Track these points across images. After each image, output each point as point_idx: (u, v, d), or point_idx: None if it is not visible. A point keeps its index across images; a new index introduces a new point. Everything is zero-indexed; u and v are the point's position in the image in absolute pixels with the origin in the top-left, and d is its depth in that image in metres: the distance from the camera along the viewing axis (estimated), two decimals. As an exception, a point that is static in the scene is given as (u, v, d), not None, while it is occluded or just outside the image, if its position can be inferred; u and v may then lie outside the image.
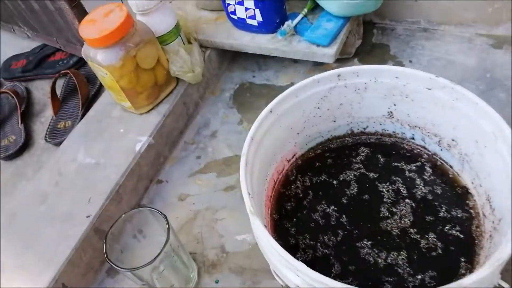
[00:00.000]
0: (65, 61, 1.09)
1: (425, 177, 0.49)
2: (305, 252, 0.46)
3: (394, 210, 0.47)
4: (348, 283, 0.43)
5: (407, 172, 0.50)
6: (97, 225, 0.60)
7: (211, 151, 0.71)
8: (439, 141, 0.48)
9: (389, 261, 0.44)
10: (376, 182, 0.50)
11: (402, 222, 0.46)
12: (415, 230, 0.46)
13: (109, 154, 0.67)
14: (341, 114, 0.51)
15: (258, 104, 0.76)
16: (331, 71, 0.47)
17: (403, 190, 0.49)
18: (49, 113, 0.99)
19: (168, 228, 0.50)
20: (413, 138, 0.51)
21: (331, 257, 0.45)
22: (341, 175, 0.51)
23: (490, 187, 0.42)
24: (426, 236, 0.45)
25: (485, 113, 0.40)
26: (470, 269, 0.42)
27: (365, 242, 0.46)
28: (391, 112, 0.50)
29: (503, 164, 0.39)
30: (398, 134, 0.52)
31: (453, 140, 0.47)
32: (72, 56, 1.08)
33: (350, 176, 0.51)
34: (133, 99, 0.69)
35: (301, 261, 0.45)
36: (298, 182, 0.52)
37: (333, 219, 0.48)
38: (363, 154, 0.53)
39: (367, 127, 0.53)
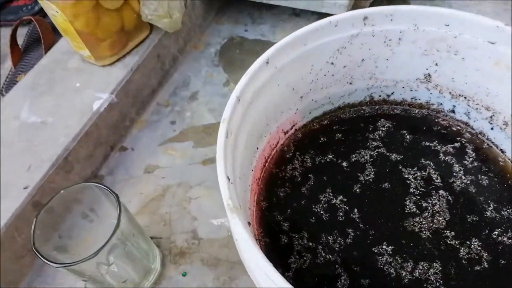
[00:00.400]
0: (29, 7, 0.92)
1: (466, 163, 0.36)
2: (301, 257, 0.33)
3: (424, 204, 0.34)
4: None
5: (441, 155, 0.37)
6: (37, 198, 0.46)
7: (189, 116, 0.57)
8: (491, 117, 0.35)
9: (416, 274, 0.31)
10: (400, 166, 0.36)
11: (435, 221, 0.33)
12: (453, 233, 0.33)
13: (59, 112, 0.52)
14: (361, 74, 0.37)
15: (249, 62, 0.60)
16: (355, 11, 0.33)
17: (436, 179, 0.35)
18: (8, 64, 0.83)
19: (120, 213, 0.36)
20: (452, 111, 0.38)
21: (337, 266, 0.32)
22: (353, 155, 0.38)
23: None
24: (468, 242, 0.32)
25: None
26: (529, 295, 0.29)
27: (384, 247, 0.32)
28: (429, 75, 0.36)
29: None
30: (433, 104, 0.38)
31: (514, 116, 0.33)
32: (38, 2, 0.90)
33: (366, 157, 0.37)
34: (93, 47, 0.53)
35: (296, 268, 0.33)
36: (296, 161, 0.38)
37: (341, 214, 0.34)
38: (383, 128, 0.39)
39: (392, 93, 0.39)
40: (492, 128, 0.35)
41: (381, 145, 0.38)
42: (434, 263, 0.31)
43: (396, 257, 0.32)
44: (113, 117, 0.53)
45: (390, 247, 0.32)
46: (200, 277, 0.43)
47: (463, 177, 0.35)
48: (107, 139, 0.53)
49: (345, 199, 0.35)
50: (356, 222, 0.34)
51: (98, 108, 0.51)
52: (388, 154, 0.37)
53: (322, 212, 0.35)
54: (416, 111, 0.39)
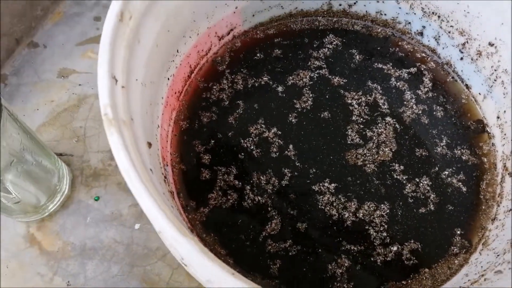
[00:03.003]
0: None
1: (420, 92, 0.30)
2: (225, 195, 0.27)
3: (369, 134, 0.28)
4: (285, 250, 0.25)
5: (393, 79, 0.30)
6: None
7: (117, 14, 0.46)
8: (464, 44, 0.28)
9: (360, 215, 0.26)
10: (342, 91, 0.30)
11: (381, 152, 0.28)
12: (401, 167, 0.28)
13: None
14: (321, -30, 0.29)
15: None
16: None
17: (383, 104, 0.30)
18: None
19: (-1, 120, 0.27)
20: (421, 34, 0.31)
21: (268, 208, 0.26)
22: (290, 77, 0.30)
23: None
24: (417, 179, 0.27)
25: None
26: (468, 248, 0.25)
27: (326, 184, 0.27)
28: (402, -18, 0.28)
29: None
30: (400, 23, 0.31)
31: (491, 44, 0.27)
32: None
33: (304, 80, 0.30)
34: None
35: (215, 205, 0.27)
36: (226, 81, 0.30)
37: (275, 150, 0.28)
38: (330, 46, 0.31)
39: (355, 3, 0.31)
40: (461, 58, 0.29)
41: (324, 65, 0.31)
42: (382, 205, 0.26)
43: (340, 195, 0.27)
44: (19, 3, 0.42)
45: (332, 184, 0.27)
46: (115, 203, 0.36)
47: (415, 107, 0.29)
48: (11, 30, 0.42)
49: (279, 132, 0.29)
50: (292, 161, 0.28)
51: (-4, -13, 0.40)
52: (330, 76, 0.30)
53: (252, 148, 0.28)
54: (379, 30, 0.32)
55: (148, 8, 0.20)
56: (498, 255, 0.22)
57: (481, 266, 0.22)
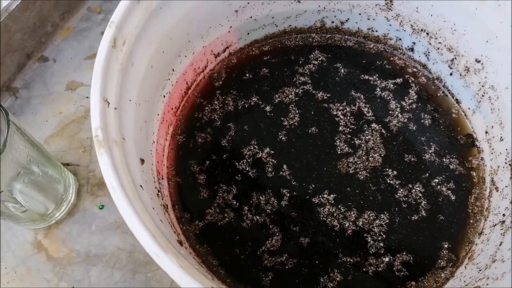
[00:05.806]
0: None
1: (404, 104, 0.30)
2: (222, 212, 0.27)
3: (357, 142, 0.29)
4: (281, 263, 0.25)
5: (378, 90, 0.31)
6: None
7: (123, 28, 0.48)
8: (452, 60, 0.29)
9: (360, 224, 0.27)
10: (325, 104, 0.30)
11: (371, 159, 0.28)
12: (394, 172, 0.28)
13: (-41, 5, 0.41)
14: (312, -10, 0.30)
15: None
16: None
17: (368, 112, 0.30)
18: None
19: (6, 135, 0.29)
20: (411, 50, 0.31)
21: (270, 225, 0.27)
22: (277, 95, 0.31)
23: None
24: (409, 185, 0.27)
25: None
26: (454, 262, 0.26)
27: (325, 196, 0.27)
28: (391, 1, 0.29)
29: None
30: (391, 39, 0.32)
31: (477, 61, 0.27)
32: None
33: (290, 96, 0.31)
34: None
35: (211, 221, 0.27)
36: (217, 102, 0.31)
37: (270, 169, 0.28)
38: (315, 62, 0.32)
39: (347, 20, 0.32)
40: (451, 74, 0.29)
41: (309, 81, 0.31)
42: (382, 215, 0.27)
43: (339, 205, 0.27)
44: (30, 20, 0.44)
45: (331, 195, 0.27)
46: (118, 211, 0.38)
47: (400, 115, 0.30)
48: (21, 45, 0.44)
49: (272, 152, 0.29)
50: (288, 180, 0.28)
51: (8, 5, 0.41)
52: (313, 92, 0.31)
53: (248, 169, 0.29)
54: (371, 45, 0.32)
55: (142, 33, 0.21)
56: (480, 270, 0.22)
57: (464, 281, 0.23)
